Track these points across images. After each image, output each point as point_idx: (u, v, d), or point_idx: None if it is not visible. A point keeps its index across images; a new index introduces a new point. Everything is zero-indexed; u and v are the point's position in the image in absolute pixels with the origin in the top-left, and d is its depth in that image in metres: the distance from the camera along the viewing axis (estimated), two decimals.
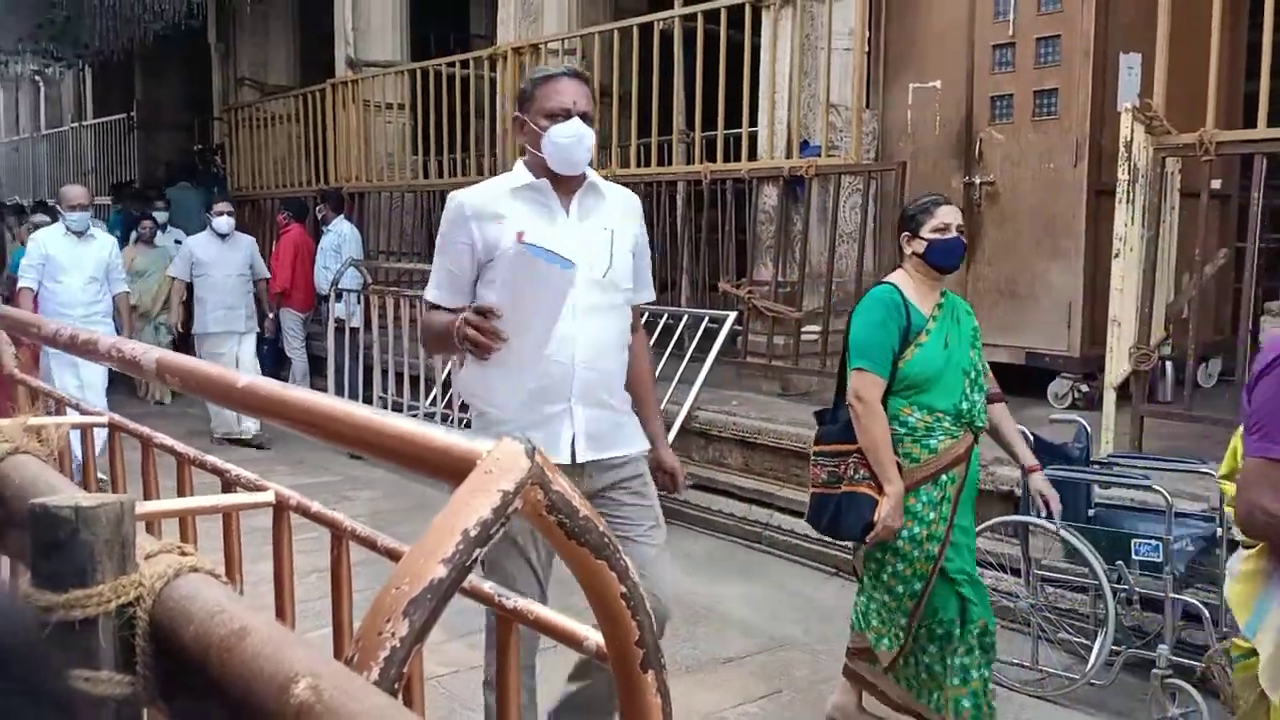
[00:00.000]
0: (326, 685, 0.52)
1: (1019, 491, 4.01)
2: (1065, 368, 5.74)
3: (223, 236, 7.87)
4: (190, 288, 7.95)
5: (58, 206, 7.92)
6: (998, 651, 3.28)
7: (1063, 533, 3.57)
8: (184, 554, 0.65)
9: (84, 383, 6.09)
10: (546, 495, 0.78)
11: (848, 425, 3.11)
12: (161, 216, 10.07)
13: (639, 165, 7.47)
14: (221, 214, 7.88)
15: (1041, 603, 3.82)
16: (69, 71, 16.64)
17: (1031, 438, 3.70)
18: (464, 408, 6.50)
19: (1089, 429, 3.93)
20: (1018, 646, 3.88)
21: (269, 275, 8.28)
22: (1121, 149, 4.65)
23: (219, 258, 7.82)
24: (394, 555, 1.23)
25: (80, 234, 6.49)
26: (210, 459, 1.63)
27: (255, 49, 12.57)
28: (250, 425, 7.59)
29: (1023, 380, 6.04)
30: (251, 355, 7.93)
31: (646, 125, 7.33)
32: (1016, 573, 3.94)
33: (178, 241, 9.14)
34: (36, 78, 17.12)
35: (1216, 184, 5.11)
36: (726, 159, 6.93)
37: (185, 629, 0.59)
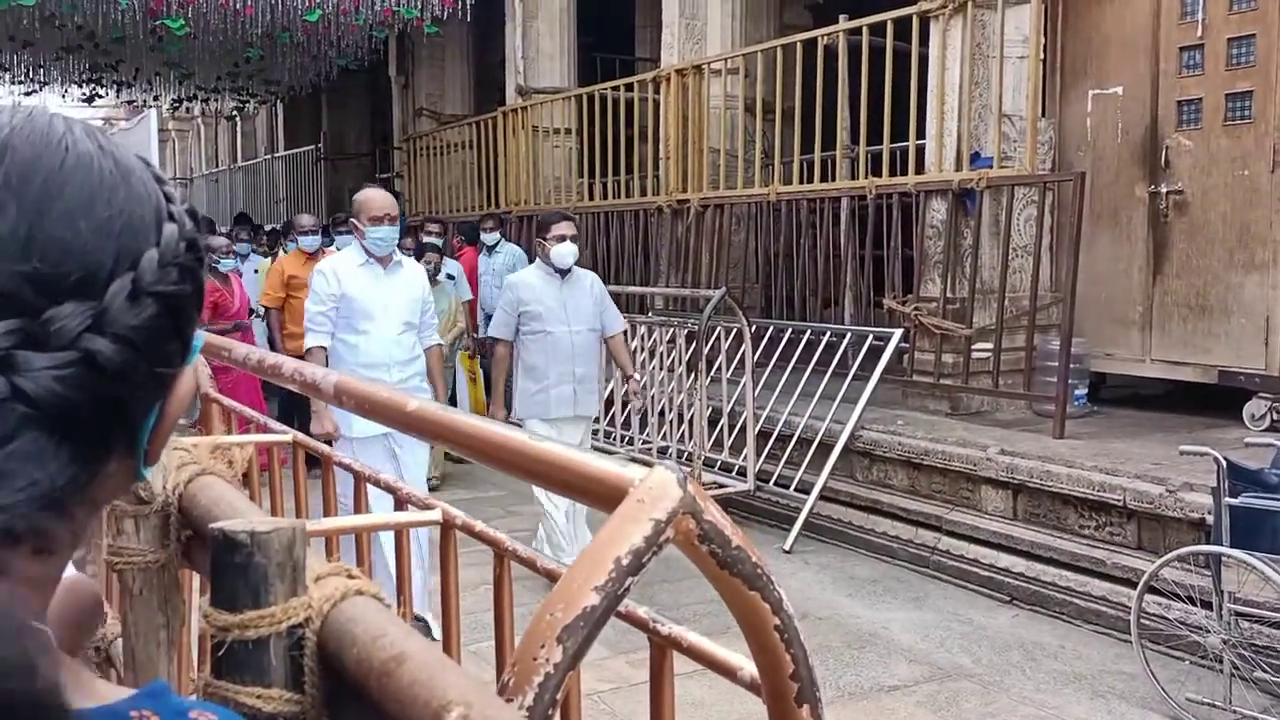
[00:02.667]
0: (477, 714, 0.54)
1: (1209, 519, 3.76)
2: (1262, 387, 5.36)
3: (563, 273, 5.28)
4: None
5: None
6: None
7: (1260, 565, 3.33)
8: (351, 576, 0.68)
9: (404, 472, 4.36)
10: (699, 525, 0.78)
11: None
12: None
13: (802, 182, 7.41)
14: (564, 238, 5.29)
15: (1236, 639, 3.56)
16: (262, 107, 17.78)
17: (1224, 462, 3.47)
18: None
19: None
20: (1209, 685, 3.63)
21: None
22: None
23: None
24: (552, 576, 1.26)
25: (384, 261, 4.48)
26: (385, 477, 1.70)
27: (432, 80, 13.13)
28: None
29: (1215, 400, 5.67)
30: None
31: (810, 141, 7.27)
32: (1208, 605, 3.69)
33: None
34: (234, 113, 18.35)
35: None
36: (892, 173, 6.80)
37: (349, 651, 0.61)
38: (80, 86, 13.95)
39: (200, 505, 0.96)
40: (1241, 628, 3.64)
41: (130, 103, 16.67)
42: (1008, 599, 4.80)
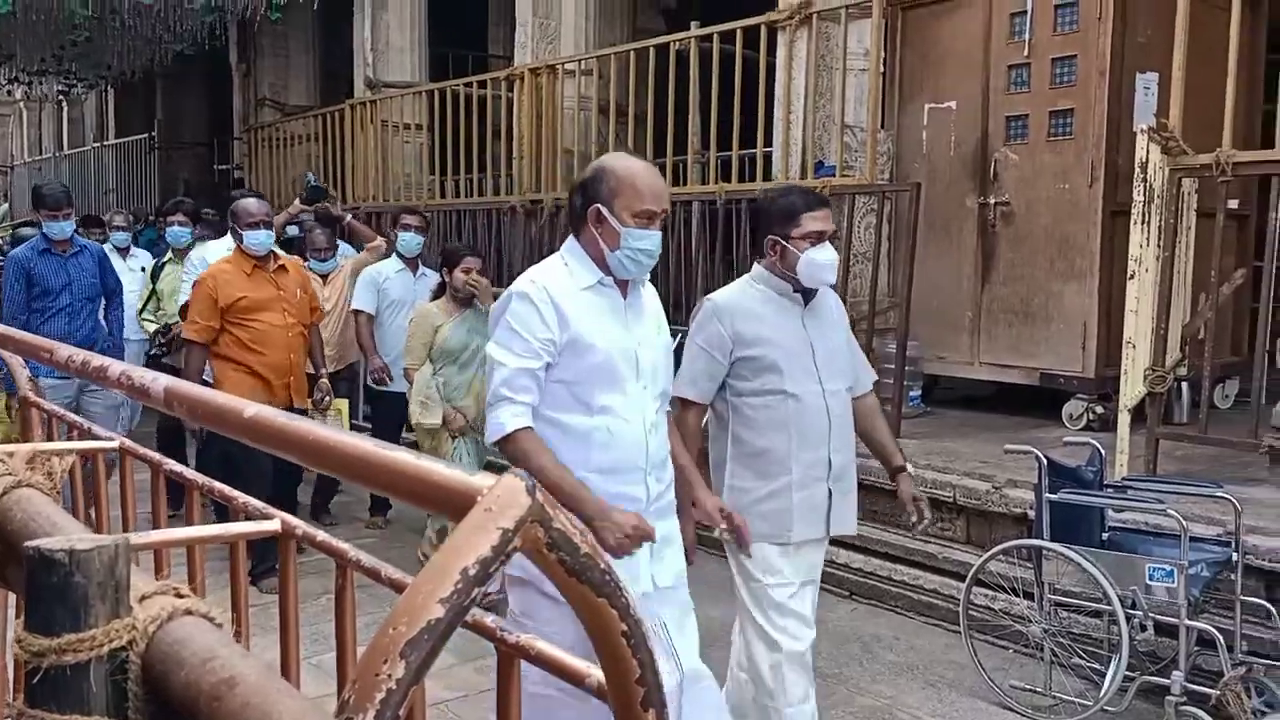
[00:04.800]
0: None
1: (1032, 514, 3.98)
2: (1080, 389, 5.71)
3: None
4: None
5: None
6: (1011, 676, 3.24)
7: (1076, 557, 3.54)
8: (179, 595, 0.65)
9: None
10: (547, 533, 0.78)
11: None
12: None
13: None
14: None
15: (1055, 628, 3.78)
16: (91, 92, 16.82)
17: (1045, 460, 3.68)
18: None
19: (1103, 451, 3.91)
20: (1030, 672, 3.84)
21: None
22: (1137, 169, 4.64)
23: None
24: (398, 587, 1.23)
25: (623, 285, 3.26)
26: (219, 486, 1.63)
27: (276, 70, 12.69)
28: None
29: (1036, 401, 6.01)
30: None
31: (662, 145, 7.35)
32: (1030, 596, 3.91)
33: (143, 269, 6.81)
34: (60, 98, 17.30)
35: (1233, 204, 5.09)
36: (741, 179, 6.94)
37: (177, 675, 0.59)
38: None
39: (15, 521, 0.90)
40: (1060, 617, 3.87)
41: None
42: (847, 594, 4.96)
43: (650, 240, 2.50)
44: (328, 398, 5.44)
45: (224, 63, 12.94)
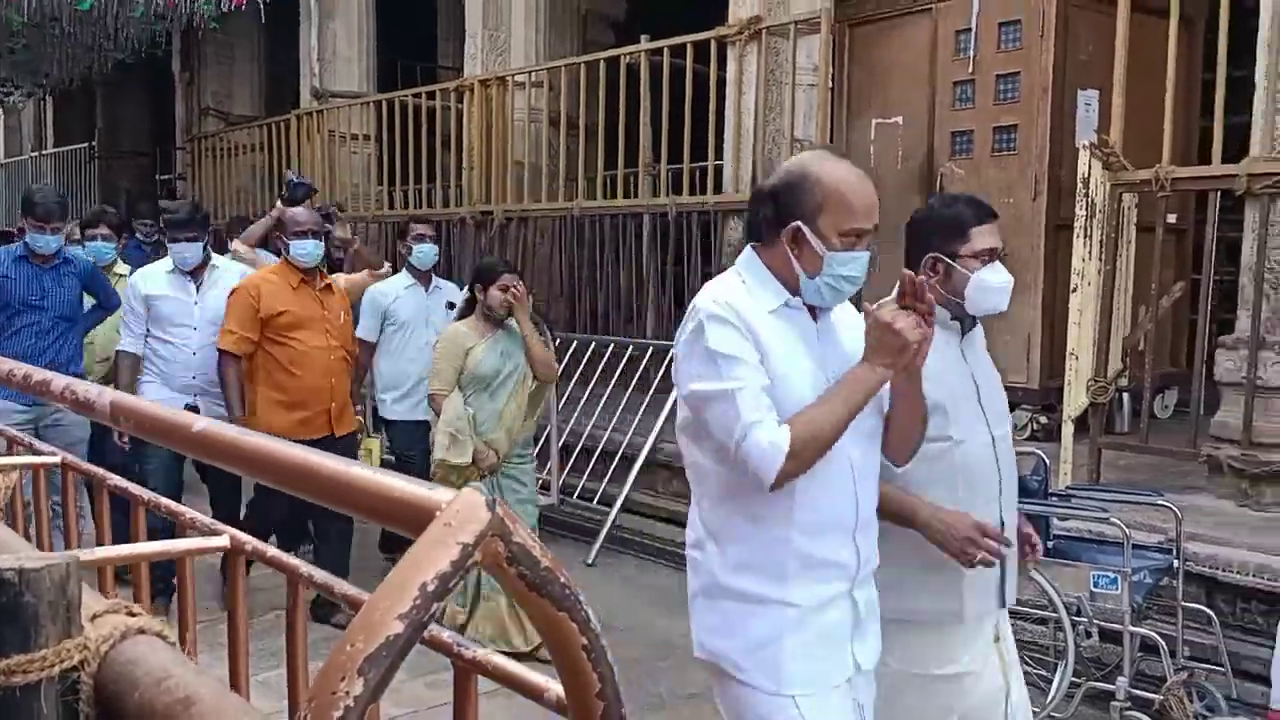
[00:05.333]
0: None
1: None
2: (1024, 399, 5.80)
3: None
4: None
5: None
6: None
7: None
8: (131, 614, 0.63)
9: None
10: (507, 547, 0.78)
11: None
12: None
13: (606, 197, 7.50)
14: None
15: None
16: (29, 100, 16.47)
17: None
18: None
19: (1047, 461, 3.96)
20: None
21: None
22: (1079, 184, 4.73)
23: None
24: (353, 603, 1.22)
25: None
26: (165, 501, 1.60)
27: (220, 79, 12.53)
28: None
29: None
30: None
31: (613, 157, 7.37)
32: None
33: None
34: None
35: (1172, 218, 5.21)
36: (692, 192, 6.97)
37: (131, 696, 0.57)
38: None
39: None
40: None
41: None
42: None
43: (858, 265, 2.06)
44: (360, 435, 5.05)
45: (166, 71, 12.74)
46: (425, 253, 5.44)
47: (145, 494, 1.62)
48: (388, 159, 9.24)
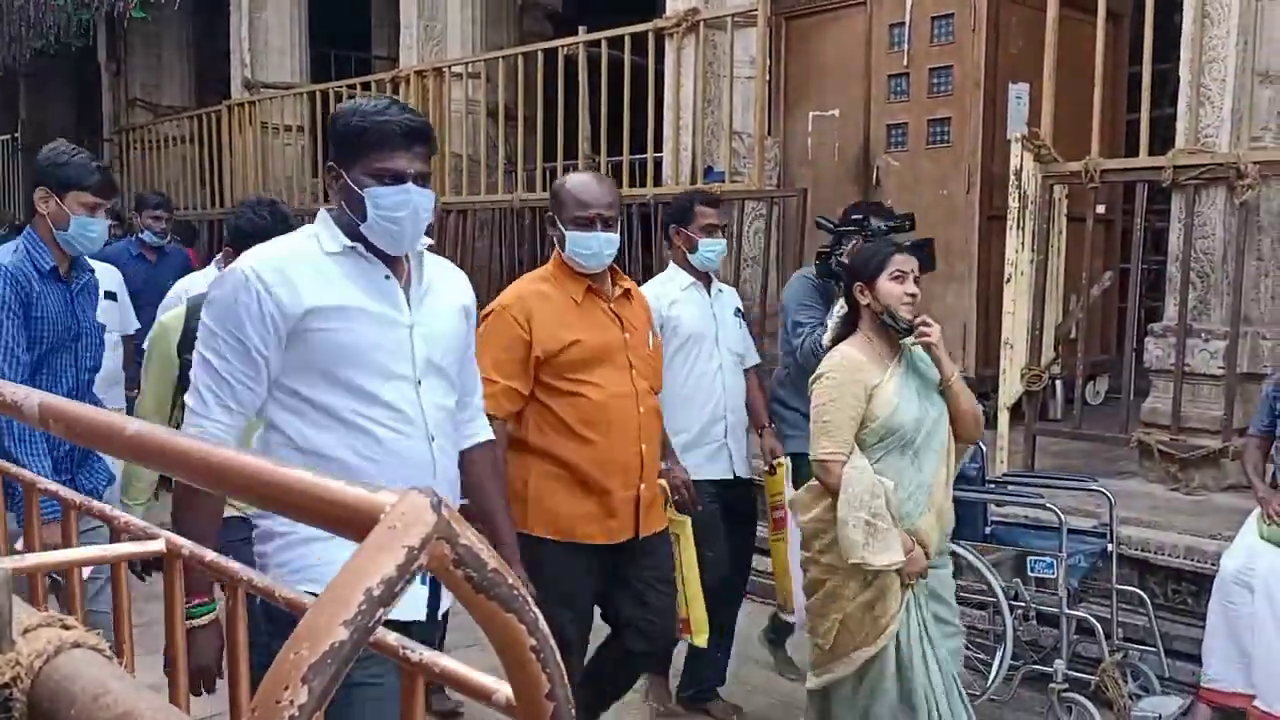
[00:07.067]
0: None
1: None
2: None
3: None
4: None
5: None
6: None
7: (961, 551, 3.65)
8: (66, 627, 0.61)
9: None
10: (454, 550, 0.77)
11: None
12: None
13: (545, 189, 7.45)
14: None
15: None
16: None
17: None
18: None
19: (984, 448, 4.03)
20: None
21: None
22: (1011, 176, 4.81)
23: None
24: (296, 608, 1.19)
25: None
26: (97, 505, 1.55)
27: (148, 69, 12.23)
28: None
29: None
30: None
31: (553, 149, 7.33)
32: None
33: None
34: None
35: (1101, 209, 5.32)
36: (632, 184, 6.97)
37: (67, 713, 0.55)
38: None
39: None
40: None
41: None
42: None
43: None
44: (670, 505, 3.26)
45: (93, 61, 12.41)
46: None
47: (77, 498, 1.57)
48: (321, 151, 9.09)
